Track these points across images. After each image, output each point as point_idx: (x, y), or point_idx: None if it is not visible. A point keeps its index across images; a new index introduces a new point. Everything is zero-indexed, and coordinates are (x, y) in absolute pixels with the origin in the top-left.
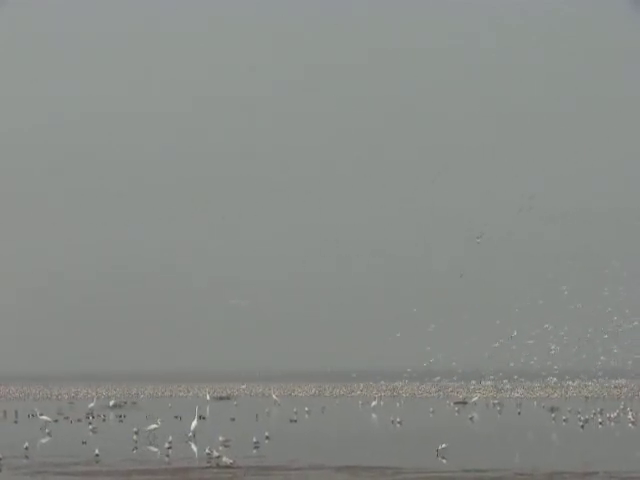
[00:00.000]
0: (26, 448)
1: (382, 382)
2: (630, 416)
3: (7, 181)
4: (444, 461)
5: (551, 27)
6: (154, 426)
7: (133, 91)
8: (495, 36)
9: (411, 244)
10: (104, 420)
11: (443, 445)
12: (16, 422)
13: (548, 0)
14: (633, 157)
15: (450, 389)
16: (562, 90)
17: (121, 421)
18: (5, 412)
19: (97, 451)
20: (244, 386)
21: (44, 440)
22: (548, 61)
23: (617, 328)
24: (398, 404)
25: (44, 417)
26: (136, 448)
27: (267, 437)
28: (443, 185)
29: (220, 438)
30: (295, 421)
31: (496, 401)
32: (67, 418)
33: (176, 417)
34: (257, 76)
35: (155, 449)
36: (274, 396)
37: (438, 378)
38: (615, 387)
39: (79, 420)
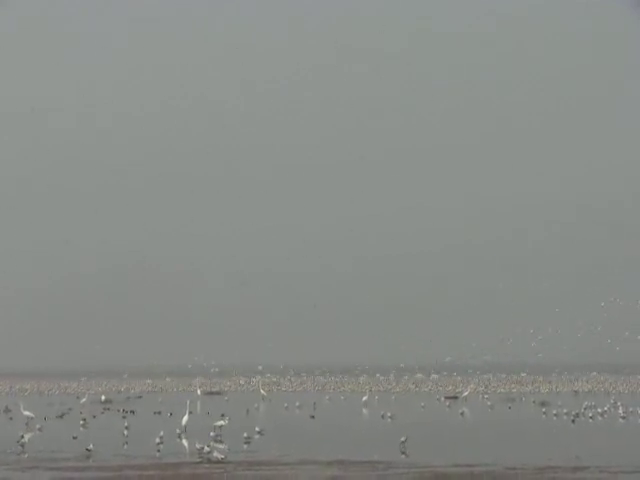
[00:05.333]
0: (22, 445)
1: (374, 376)
2: (620, 411)
3: (6, 182)
4: (403, 456)
5: (551, 25)
6: (221, 423)
7: (131, 90)
8: (493, 33)
9: (408, 243)
10: (94, 416)
11: (403, 438)
12: (11, 418)
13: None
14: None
15: (441, 384)
16: (560, 89)
17: (124, 417)
18: (7, 407)
19: (91, 446)
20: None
21: (28, 435)
22: (547, 60)
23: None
24: (376, 397)
25: (27, 413)
26: (126, 443)
27: (258, 432)
28: (438, 185)
29: (211, 433)
30: (313, 417)
31: (487, 396)
32: (61, 416)
33: (156, 413)
34: (254, 75)
35: (222, 446)
36: (262, 391)
37: (436, 375)
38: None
39: (62, 415)
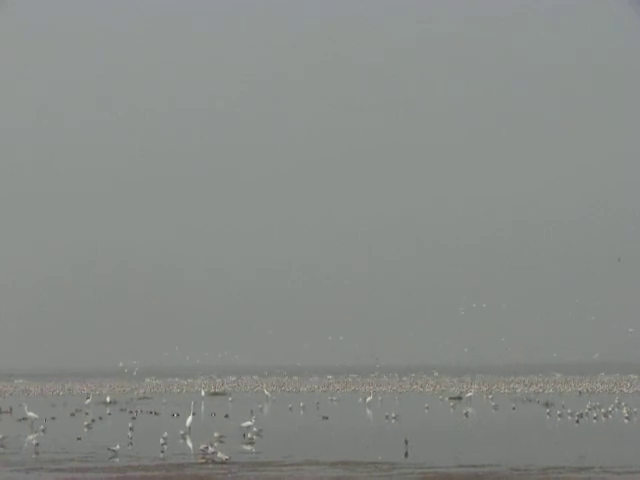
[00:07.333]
0: (26, 446)
1: (378, 377)
2: (624, 411)
3: (7, 182)
4: (407, 457)
5: (549, 24)
6: (248, 423)
7: (128, 91)
8: (493, 33)
9: (408, 244)
10: (100, 418)
11: (407, 439)
12: (20, 420)
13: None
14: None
15: (445, 384)
16: (560, 90)
17: (134, 418)
18: (11, 408)
19: (117, 446)
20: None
21: (32, 436)
22: (547, 60)
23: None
24: (380, 398)
25: (31, 414)
26: (131, 444)
27: (256, 433)
28: (433, 185)
29: (215, 434)
30: (327, 418)
31: (491, 396)
32: (54, 418)
33: (158, 413)
34: (254, 75)
35: (249, 447)
36: (266, 391)
37: (436, 374)
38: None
39: (72, 414)
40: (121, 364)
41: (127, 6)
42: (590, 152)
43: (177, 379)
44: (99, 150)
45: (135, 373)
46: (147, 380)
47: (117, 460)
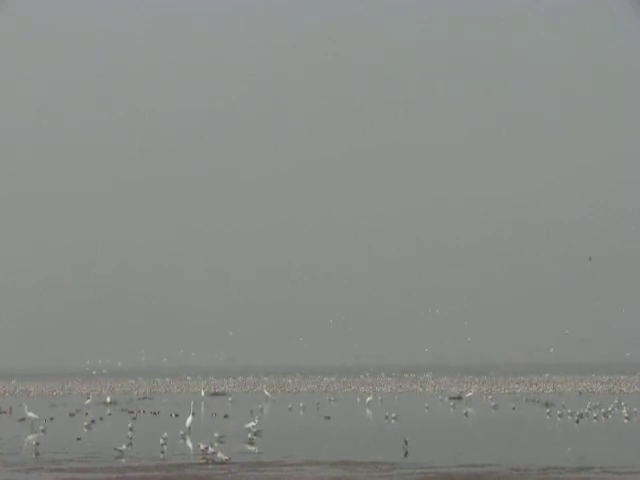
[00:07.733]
0: (26, 446)
1: (378, 377)
2: (624, 411)
3: (7, 183)
4: (407, 457)
5: (549, 24)
6: (252, 424)
7: (125, 91)
8: (493, 34)
9: (408, 245)
10: (101, 418)
11: (407, 439)
12: (20, 420)
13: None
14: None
15: (444, 384)
16: (561, 90)
17: (134, 418)
18: (11, 408)
19: (123, 447)
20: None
21: (32, 437)
22: (547, 60)
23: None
24: (380, 398)
25: (31, 414)
26: (130, 444)
27: (255, 433)
28: (433, 185)
29: (215, 434)
30: (329, 418)
31: (490, 396)
32: (53, 418)
33: (153, 413)
34: (254, 75)
35: (253, 448)
36: (266, 392)
37: (429, 374)
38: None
39: (72, 414)
40: (87, 368)
41: (127, 6)
42: (590, 152)
43: (176, 379)
44: (99, 150)
45: (101, 376)
46: (142, 380)
47: (123, 460)
